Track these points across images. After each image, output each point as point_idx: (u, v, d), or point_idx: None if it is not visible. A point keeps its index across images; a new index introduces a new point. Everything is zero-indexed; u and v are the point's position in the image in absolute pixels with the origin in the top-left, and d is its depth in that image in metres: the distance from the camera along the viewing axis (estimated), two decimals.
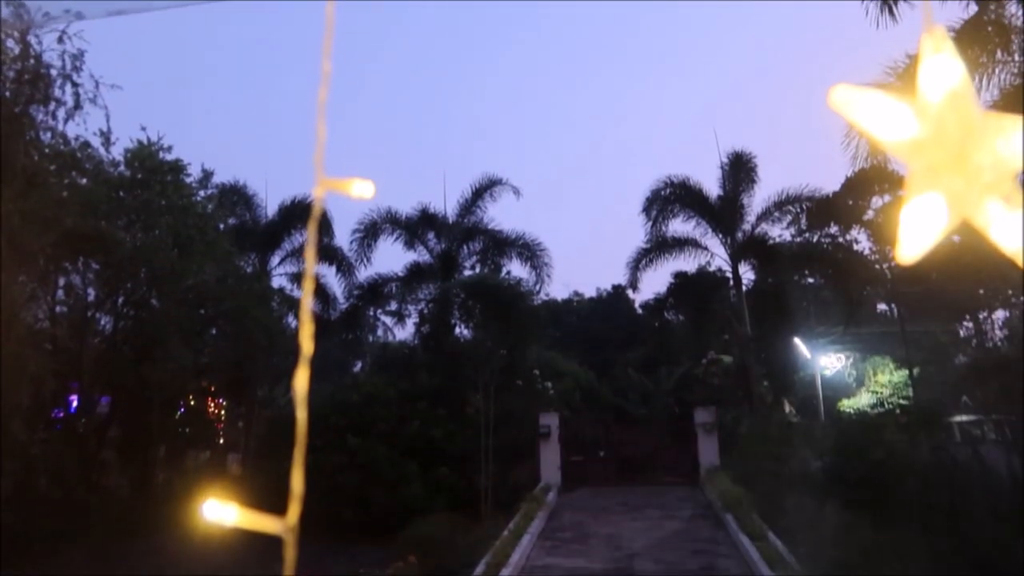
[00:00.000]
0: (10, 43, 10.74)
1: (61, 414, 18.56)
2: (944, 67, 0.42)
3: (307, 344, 0.55)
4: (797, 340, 22.30)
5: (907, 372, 19.95)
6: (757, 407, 19.89)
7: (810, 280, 24.70)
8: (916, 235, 0.42)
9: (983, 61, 12.50)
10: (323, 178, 0.51)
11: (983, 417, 17.29)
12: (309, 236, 0.49)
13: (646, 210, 22.16)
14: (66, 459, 15.82)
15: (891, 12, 13.14)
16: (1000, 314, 23.84)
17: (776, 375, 21.29)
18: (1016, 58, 12.43)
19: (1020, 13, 12.46)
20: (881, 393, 21.02)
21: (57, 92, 11.66)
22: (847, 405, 21.21)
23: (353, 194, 0.51)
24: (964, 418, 18.15)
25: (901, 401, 19.72)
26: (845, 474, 13.79)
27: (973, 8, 13.17)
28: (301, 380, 0.54)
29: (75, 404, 18.18)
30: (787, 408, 21.41)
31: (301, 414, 0.57)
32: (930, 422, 15.42)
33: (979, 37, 12.83)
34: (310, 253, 0.48)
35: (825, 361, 22.96)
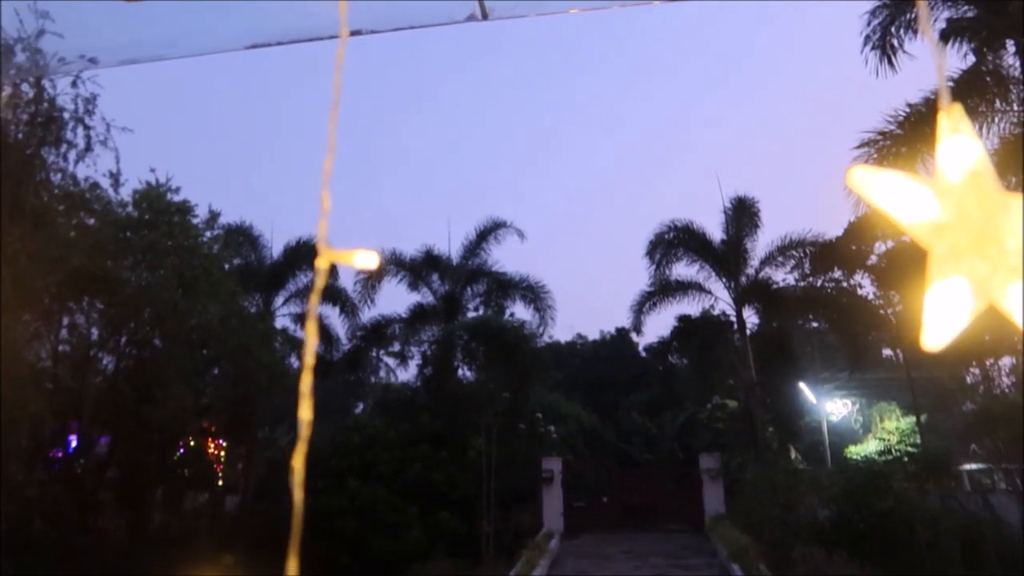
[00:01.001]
0: (24, 87, 10.95)
1: (60, 454, 18.38)
2: (963, 147, 0.41)
3: (307, 383, 0.53)
4: (802, 385, 22.13)
5: (914, 419, 19.72)
6: (763, 453, 19.63)
7: (814, 325, 24.61)
8: (941, 322, 0.41)
9: (982, 110, 12.66)
10: (326, 249, 0.50)
11: (993, 466, 17.02)
12: (311, 305, 0.48)
13: (649, 254, 22.24)
14: (63, 501, 15.61)
15: (890, 62, 13.36)
16: (1007, 360, 23.65)
17: (782, 421, 21.07)
18: (1015, 107, 12.59)
19: (1018, 64, 12.67)
20: (888, 440, 20.74)
21: (69, 135, 11.85)
22: (854, 452, 20.92)
23: (356, 265, 0.50)
24: (974, 466, 17.88)
25: (909, 448, 19.46)
26: (853, 523, 13.54)
27: (971, 59, 13.41)
28: (304, 415, 0.52)
29: (74, 444, 18.03)
30: (793, 454, 21.12)
31: (299, 461, 0.55)
32: (939, 470, 15.20)
33: (977, 86, 13.03)
34: (311, 326, 0.47)
35: (831, 407, 22.74)
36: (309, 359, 0.47)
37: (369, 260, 0.50)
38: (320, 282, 0.49)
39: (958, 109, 0.43)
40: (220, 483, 24.35)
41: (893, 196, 0.42)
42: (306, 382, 0.47)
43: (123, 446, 18.55)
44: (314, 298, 0.48)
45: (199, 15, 2.76)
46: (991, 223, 0.40)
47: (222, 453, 24.75)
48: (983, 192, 0.41)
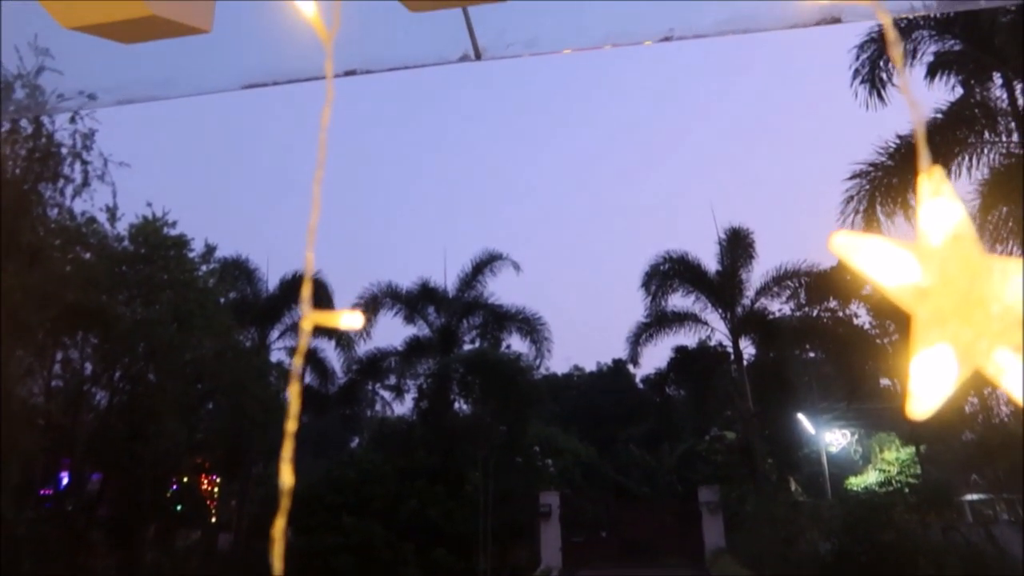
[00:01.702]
0: (23, 123, 11.03)
1: (50, 491, 18.12)
2: (944, 209, 0.41)
3: (288, 449, 0.52)
4: (800, 416, 22.02)
5: (914, 449, 19.61)
6: (762, 485, 19.45)
7: (811, 355, 24.59)
8: (926, 389, 0.41)
9: (972, 141, 12.82)
10: (310, 311, 0.49)
11: (994, 496, 16.88)
12: (295, 367, 0.47)
13: (645, 285, 22.26)
14: (53, 539, 15.35)
15: (880, 96, 13.55)
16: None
17: (781, 452, 20.93)
18: (1004, 139, 12.75)
19: (1005, 96, 12.86)
20: (888, 471, 20.59)
21: (66, 170, 11.92)
22: (854, 483, 20.75)
23: (341, 327, 0.50)
24: (975, 497, 17.72)
25: (909, 479, 19.30)
26: (855, 557, 13.37)
27: (960, 91, 13.61)
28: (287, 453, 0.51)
29: (65, 481, 17.78)
30: (793, 486, 20.93)
31: (279, 528, 0.54)
32: (940, 502, 15.06)
33: (966, 118, 13.20)
34: (294, 389, 0.46)
35: (830, 437, 22.60)
36: (291, 425, 0.47)
37: (354, 321, 0.50)
38: (303, 343, 0.49)
39: (939, 171, 0.43)
40: (213, 520, 24.00)
41: (875, 261, 0.42)
42: (288, 448, 0.46)
43: (115, 483, 18.31)
44: (297, 359, 0.48)
45: (195, 56, 2.79)
46: (975, 287, 0.39)
47: (215, 490, 24.44)
48: (966, 255, 0.41)
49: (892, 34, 0.50)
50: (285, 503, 0.45)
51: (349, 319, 0.50)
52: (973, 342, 0.39)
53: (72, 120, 11.77)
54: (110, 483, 18.36)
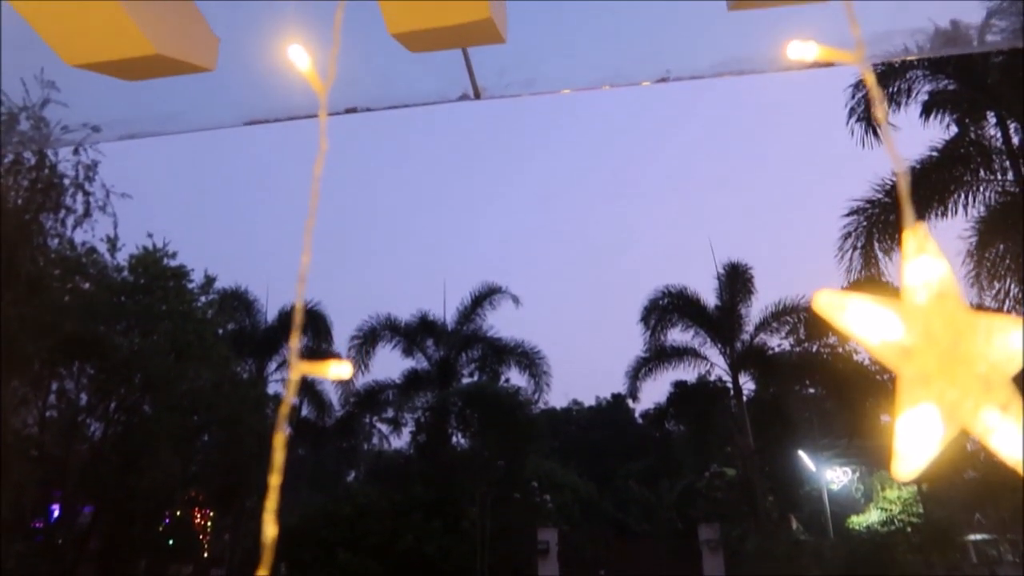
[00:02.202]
0: (27, 154, 11.12)
1: (41, 524, 17.86)
2: (929, 267, 0.42)
3: (273, 501, 0.52)
4: (801, 453, 21.82)
5: (916, 487, 19.39)
6: (763, 523, 19.20)
7: (811, 391, 24.47)
8: (912, 449, 0.41)
9: (967, 179, 12.93)
10: (298, 363, 0.49)
11: (998, 536, 16.67)
12: (280, 416, 0.47)
13: (644, 319, 22.24)
14: (42, 574, 15.08)
15: (875, 134, 13.69)
16: None
17: (781, 489, 20.70)
18: (999, 177, 12.86)
19: (999, 135, 13.01)
20: (890, 510, 20.33)
21: (68, 200, 11.98)
22: (856, 522, 20.47)
23: (330, 377, 0.50)
24: (979, 537, 17.49)
25: (912, 519, 19.06)
26: None
27: (954, 129, 13.78)
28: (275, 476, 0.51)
29: (56, 514, 17.54)
30: (794, 524, 20.66)
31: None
32: (943, 542, 14.85)
33: (962, 156, 13.34)
34: (279, 439, 0.46)
35: (831, 475, 22.36)
36: (275, 479, 0.46)
37: (343, 371, 0.50)
38: (290, 394, 0.49)
39: (923, 227, 0.43)
40: (206, 555, 23.63)
41: (859, 320, 0.42)
42: (272, 500, 0.46)
43: (107, 516, 18.06)
44: (283, 409, 0.48)
45: (199, 92, 2.83)
46: (959, 346, 0.40)
47: (208, 523, 24.12)
48: (950, 314, 0.41)
49: (877, 92, 0.51)
50: (268, 556, 0.45)
51: (338, 369, 0.50)
52: (959, 402, 0.39)
53: (75, 152, 11.87)
54: (102, 516, 18.10)
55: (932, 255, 0.42)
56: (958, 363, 0.39)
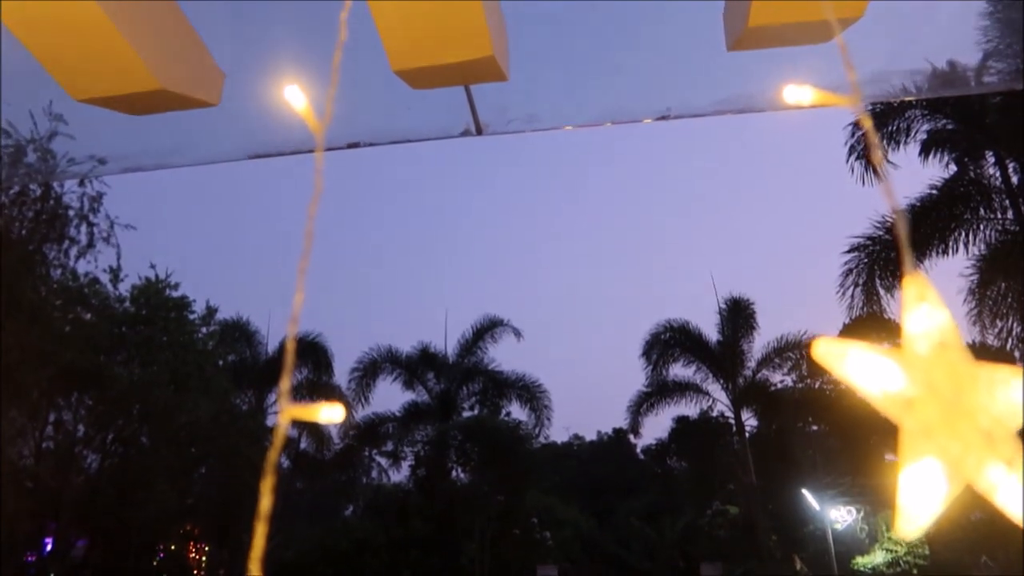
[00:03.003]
0: (32, 186, 11.22)
1: (33, 557, 17.60)
2: (929, 316, 0.41)
3: (259, 548, 0.50)
4: (804, 491, 21.55)
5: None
6: (766, 562, 18.89)
7: (814, 428, 24.27)
8: (915, 506, 0.39)
9: (967, 217, 12.98)
10: (289, 407, 0.49)
11: None
12: (270, 462, 0.46)
13: (646, 354, 22.18)
14: None
15: (875, 172, 13.79)
16: None
17: (785, 528, 20.40)
18: (998, 215, 12.91)
19: (998, 174, 13.09)
20: (896, 551, 20.01)
21: (72, 231, 12.04)
22: (861, 563, 20.13)
23: (321, 420, 0.49)
24: None
25: (918, 560, 18.74)
26: None
27: (953, 168, 13.87)
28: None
29: (49, 547, 17.29)
30: (798, 564, 20.31)
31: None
32: None
33: (961, 195, 13.41)
34: (266, 485, 0.45)
35: (835, 514, 22.05)
36: (262, 526, 0.45)
37: (334, 414, 0.49)
38: (280, 439, 0.48)
39: (922, 277, 0.43)
40: None
41: (859, 369, 0.41)
42: (258, 548, 0.44)
43: (100, 549, 17.81)
44: (273, 455, 0.47)
45: (203, 126, 2.86)
46: (962, 398, 0.39)
47: (203, 558, 23.75)
48: (952, 365, 0.40)
49: (873, 138, 0.50)
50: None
51: (329, 412, 0.49)
52: (962, 456, 0.38)
53: (81, 183, 11.97)
54: (95, 549, 17.86)
55: (933, 303, 0.41)
56: (961, 416, 0.38)
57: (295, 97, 0.58)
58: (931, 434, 0.39)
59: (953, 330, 0.41)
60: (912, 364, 0.41)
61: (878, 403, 0.42)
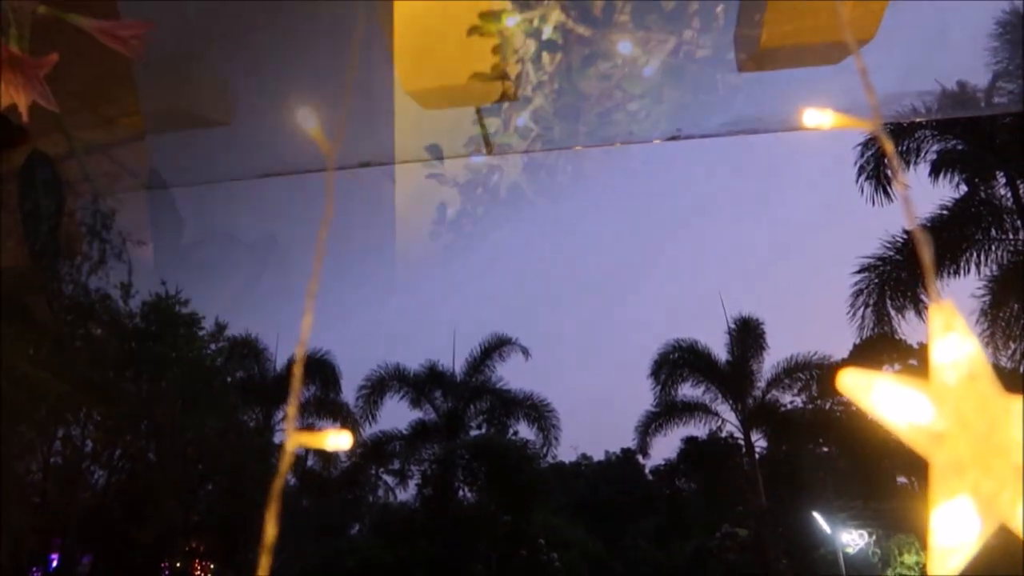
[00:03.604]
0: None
1: (39, 574, 17.56)
2: (958, 345, 0.39)
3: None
4: (815, 514, 21.28)
5: None
6: None
7: (825, 449, 24.02)
8: (949, 546, 0.38)
9: (979, 238, 12.91)
10: (295, 433, 0.48)
11: None
12: (275, 490, 0.45)
13: (654, 374, 22.06)
14: None
15: (885, 192, 13.76)
16: None
17: (795, 551, 20.13)
18: (1010, 236, 12.84)
19: (1009, 194, 13.04)
20: None
21: (84, 247, 12.12)
22: None
23: (328, 447, 0.48)
24: None
25: None
26: None
27: (964, 188, 13.83)
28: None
29: (55, 564, 17.25)
30: None
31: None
32: None
33: (972, 215, 13.35)
34: (270, 524, 0.44)
35: (847, 538, 21.75)
36: (265, 559, 0.44)
37: (341, 441, 0.48)
38: (285, 465, 0.47)
39: (950, 305, 0.41)
40: None
41: (885, 401, 0.40)
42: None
43: (105, 566, 17.75)
44: (278, 482, 0.46)
45: (215, 145, 2.88)
46: (994, 432, 0.37)
47: None
48: (983, 397, 0.39)
49: (895, 161, 0.49)
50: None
51: (336, 440, 0.48)
52: (996, 493, 0.37)
53: (94, 200, 12.06)
54: (100, 566, 17.80)
55: (961, 332, 0.40)
56: (993, 451, 0.37)
57: (306, 119, 0.57)
58: (962, 470, 0.38)
59: (983, 360, 0.40)
60: (941, 396, 0.39)
61: (905, 437, 0.40)
